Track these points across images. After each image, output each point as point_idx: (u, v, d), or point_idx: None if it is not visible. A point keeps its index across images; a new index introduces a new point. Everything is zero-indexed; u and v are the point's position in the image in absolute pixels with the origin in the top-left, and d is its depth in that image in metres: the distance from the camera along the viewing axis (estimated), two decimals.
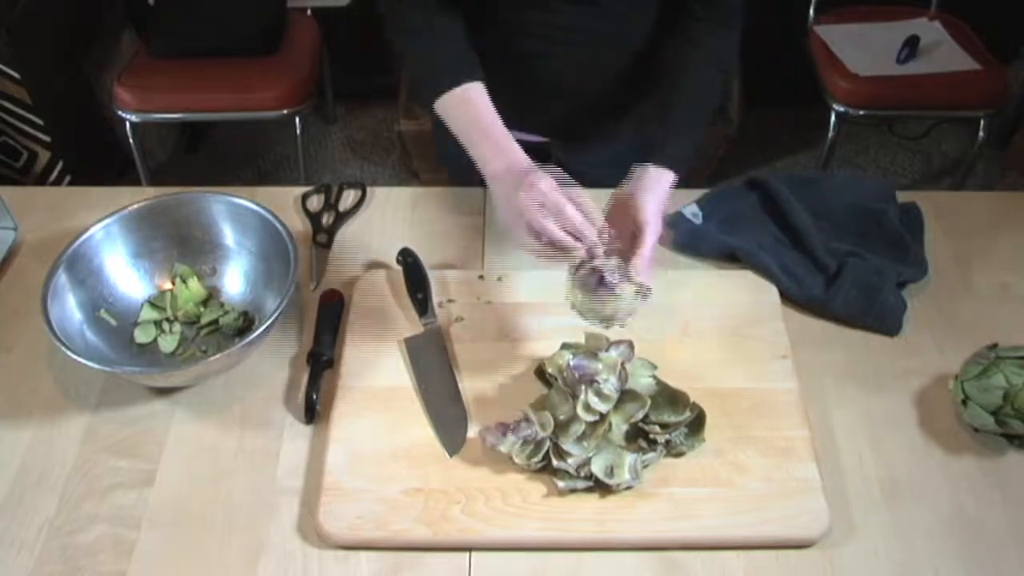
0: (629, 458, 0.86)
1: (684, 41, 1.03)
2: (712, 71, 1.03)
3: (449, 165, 1.44)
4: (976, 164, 2.40)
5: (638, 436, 0.88)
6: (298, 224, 1.18)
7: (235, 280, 1.08)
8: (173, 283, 1.06)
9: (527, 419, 0.88)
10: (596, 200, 0.92)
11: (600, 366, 0.88)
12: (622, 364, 0.89)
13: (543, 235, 0.89)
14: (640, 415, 0.87)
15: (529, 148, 1.24)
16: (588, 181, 1.25)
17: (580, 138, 1.28)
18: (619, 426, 0.88)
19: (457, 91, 0.97)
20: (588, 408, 0.86)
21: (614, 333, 0.96)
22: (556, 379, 0.91)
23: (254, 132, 2.76)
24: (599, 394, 0.86)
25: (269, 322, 0.93)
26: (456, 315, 1.04)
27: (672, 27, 1.05)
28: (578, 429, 0.86)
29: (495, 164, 0.95)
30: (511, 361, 0.99)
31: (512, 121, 1.09)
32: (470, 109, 0.98)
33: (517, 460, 0.86)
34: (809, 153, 2.70)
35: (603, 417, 0.86)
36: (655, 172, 0.96)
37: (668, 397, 0.91)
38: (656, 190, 0.95)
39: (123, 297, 1.04)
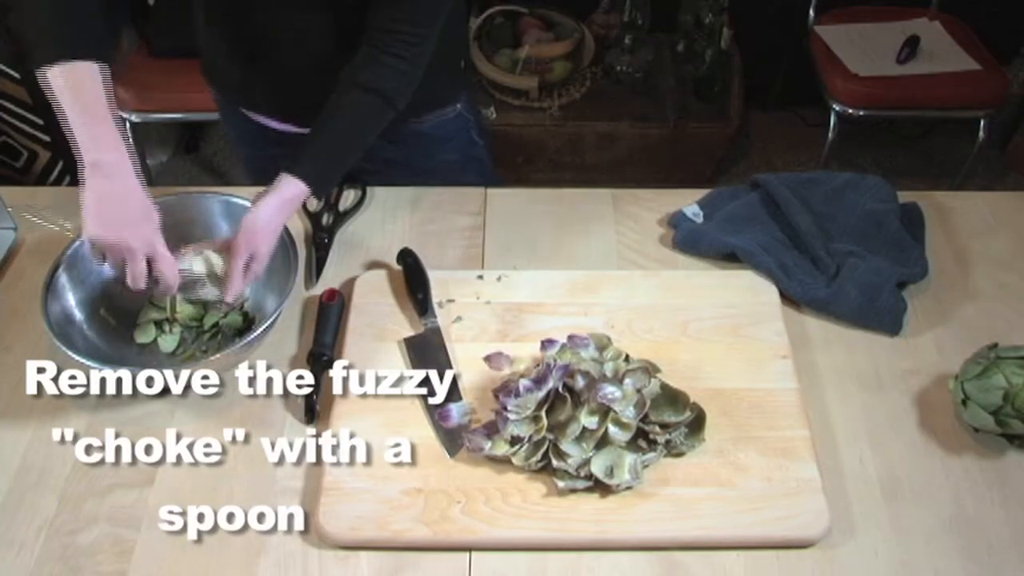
0: (629, 458, 0.86)
1: (355, 63, 1.00)
2: (370, 97, 1.00)
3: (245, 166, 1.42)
4: (976, 164, 2.40)
5: (638, 436, 0.88)
6: (298, 224, 1.17)
7: None
8: None
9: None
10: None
11: (620, 393, 0.87)
12: (639, 391, 0.89)
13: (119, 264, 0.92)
14: (639, 415, 0.87)
15: (286, 138, 1.24)
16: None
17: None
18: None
19: (67, 66, 0.89)
20: (595, 416, 0.86)
21: (624, 344, 0.95)
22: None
23: None
24: (618, 423, 0.86)
25: (269, 322, 0.93)
26: (456, 315, 1.04)
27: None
28: (576, 429, 0.86)
29: (91, 154, 0.92)
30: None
31: (255, 104, 1.07)
32: (75, 88, 0.90)
33: (516, 461, 0.86)
34: (809, 153, 2.70)
35: (603, 418, 0.87)
36: (285, 182, 0.97)
37: (668, 397, 0.91)
38: (270, 202, 0.96)
39: (123, 297, 1.04)
